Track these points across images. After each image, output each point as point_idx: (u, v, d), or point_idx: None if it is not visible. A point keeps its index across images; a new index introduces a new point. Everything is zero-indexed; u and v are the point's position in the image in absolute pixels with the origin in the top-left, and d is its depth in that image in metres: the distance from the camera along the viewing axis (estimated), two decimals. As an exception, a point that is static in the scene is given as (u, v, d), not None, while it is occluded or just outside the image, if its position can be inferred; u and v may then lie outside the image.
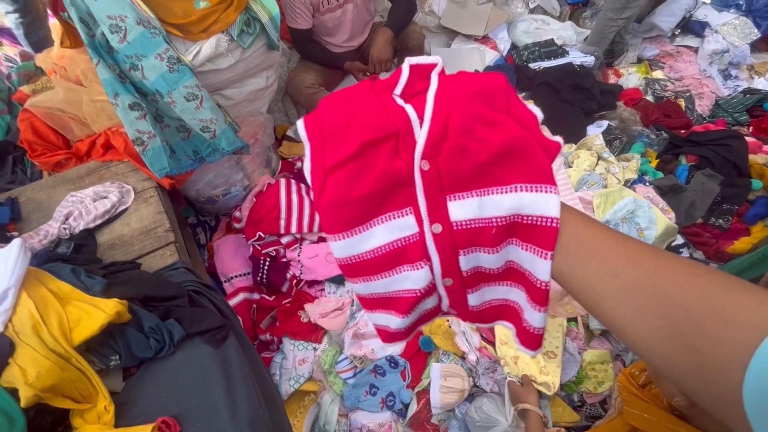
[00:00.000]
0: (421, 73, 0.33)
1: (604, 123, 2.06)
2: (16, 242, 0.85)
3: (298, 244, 1.65)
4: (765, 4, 2.51)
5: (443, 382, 1.25)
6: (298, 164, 1.96)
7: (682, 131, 2.10)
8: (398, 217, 0.32)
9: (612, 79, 2.49)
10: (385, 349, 1.31)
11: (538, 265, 0.30)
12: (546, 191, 0.29)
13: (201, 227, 1.85)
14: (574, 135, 1.95)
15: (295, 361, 1.33)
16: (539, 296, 0.31)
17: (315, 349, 1.36)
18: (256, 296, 1.57)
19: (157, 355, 0.90)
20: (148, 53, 1.17)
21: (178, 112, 1.26)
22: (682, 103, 2.29)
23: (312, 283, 1.58)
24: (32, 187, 1.33)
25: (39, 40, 1.99)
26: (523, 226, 0.30)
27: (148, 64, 1.18)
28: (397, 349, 1.31)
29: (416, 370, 1.31)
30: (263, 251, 1.59)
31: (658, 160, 2.00)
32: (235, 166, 1.68)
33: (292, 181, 1.75)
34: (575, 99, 2.12)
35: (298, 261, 1.59)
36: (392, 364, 1.29)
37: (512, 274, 0.33)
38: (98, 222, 1.19)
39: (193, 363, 0.91)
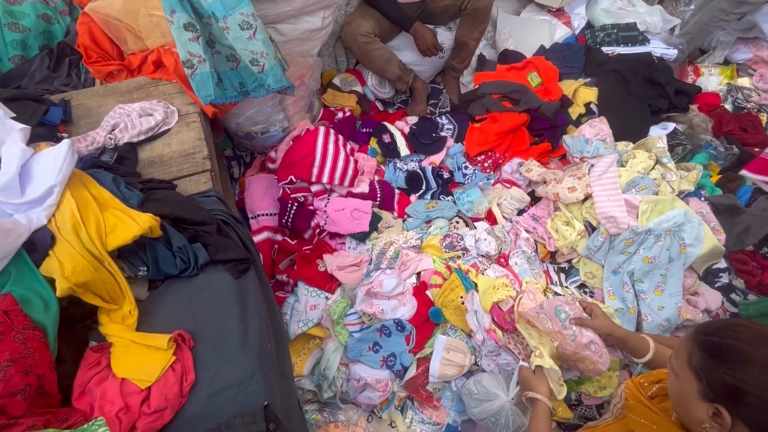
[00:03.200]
0: None
1: (671, 125, 1.89)
2: (65, 143, 0.88)
3: (326, 195, 1.65)
4: None
5: (445, 354, 1.26)
6: (339, 115, 1.92)
7: (756, 149, 1.91)
8: None
9: (690, 78, 2.26)
10: (394, 312, 1.33)
11: None
12: None
13: (236, 161, 1.87)
14: (635, 133, 1.81)
15: (307, 306, 1.37)
16: None
17: (327, 298, 1.39)
18: (279, 237, 1.60)
19: (182, 274, 0.94)
20: (209, -29, 1.13)
21: (230, 40, 1.23)
22: (764, 118, 2.07)
23: (334, 235, 1.60)
24: (84, 93, 1.36)
25: None
26: None
27: (208, -16, 1.14)
28: (406, 313, 1.33)
29: (421, 337, 1.33)
30: (292, 195, 1.60)
31: (719, 176, 1.84)
32: (278, 106, 1.66)
33: (331, 131, 1.72)
34: (645, 94, 1.95)
35: (324, 211, 1.60)
36: (399, 327, 1.31)
37: None
38: (141, 138, 1.22)
39: (213, 288, 0.94)
